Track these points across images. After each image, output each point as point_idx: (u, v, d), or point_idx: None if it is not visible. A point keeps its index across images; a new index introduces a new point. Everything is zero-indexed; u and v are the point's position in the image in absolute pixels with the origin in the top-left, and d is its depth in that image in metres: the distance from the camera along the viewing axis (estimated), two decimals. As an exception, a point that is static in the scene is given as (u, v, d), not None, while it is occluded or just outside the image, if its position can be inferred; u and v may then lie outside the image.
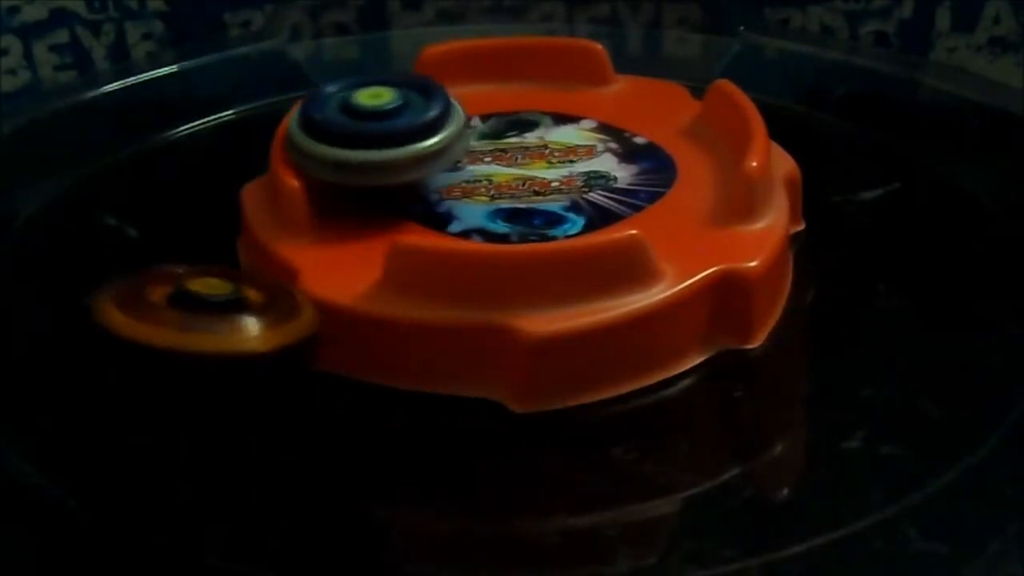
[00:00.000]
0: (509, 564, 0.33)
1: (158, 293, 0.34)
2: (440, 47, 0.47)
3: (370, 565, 0.33)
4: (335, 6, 0.63)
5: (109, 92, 0.55)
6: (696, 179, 0.42)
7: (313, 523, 0.33)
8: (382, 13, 0.64)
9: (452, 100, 0.41)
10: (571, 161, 0.43)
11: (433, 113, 0.40)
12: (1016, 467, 0.35)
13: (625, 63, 0.50)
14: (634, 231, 0.37)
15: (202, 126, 0.52)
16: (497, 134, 0.45)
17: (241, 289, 0.34)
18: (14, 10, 0.60)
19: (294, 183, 0.40)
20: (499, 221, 0.40)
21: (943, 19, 0.62)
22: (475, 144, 0.44)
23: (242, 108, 0.53)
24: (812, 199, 0.44)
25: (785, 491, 0.35)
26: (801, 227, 0.43)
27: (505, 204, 0.41)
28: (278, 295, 0.36)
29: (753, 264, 0.38)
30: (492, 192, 0.42)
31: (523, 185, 0.42)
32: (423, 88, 0.41)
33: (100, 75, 0.60)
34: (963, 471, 0.34)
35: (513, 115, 0.46)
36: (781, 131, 0.43)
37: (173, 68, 0.56)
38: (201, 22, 0.63)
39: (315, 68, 0.59)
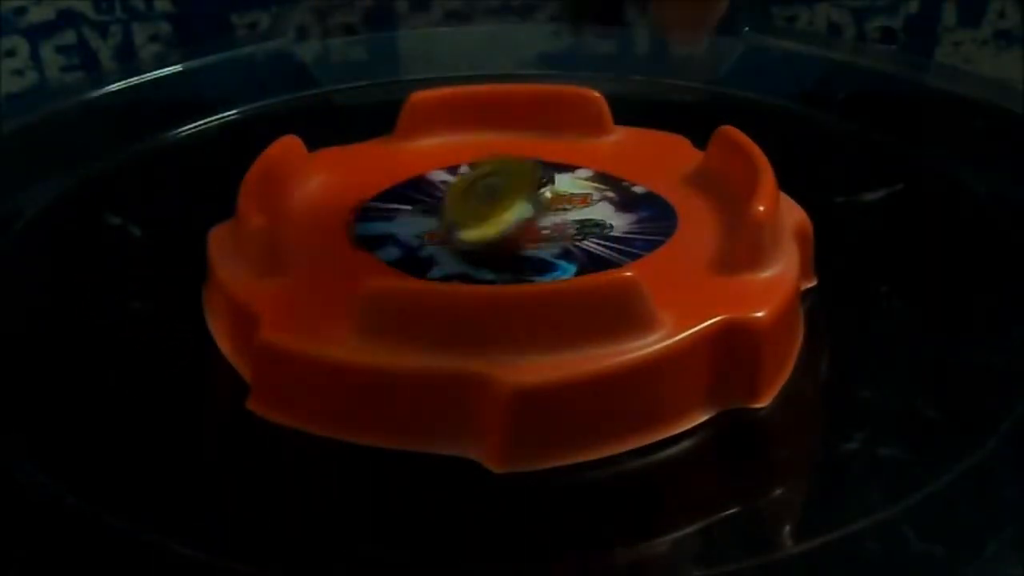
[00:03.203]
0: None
1: None
2: (428, 93, 0.45)
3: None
4: (342, 6, 0.63)
5: (113, 91, 0.55)
6: (699, 228, 0.40)
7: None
8: (389, 13, 0.64)
9: None
10: (564, 209, 0.41)
11: None
12: (1015, 469, 0.35)
13: (632, 63, 0.49)
14: (629, 273, 0.35)
15: (207, 126, 0.52)
16: None
17: None
18: (21, 11, 0.60)
19: (259, 223, 0.38)
20: (483, 267, 0.38)
21: (949, 14, 0.62)
22: None
23: (247, 108, 0.53)
24: (815, 200, 0.43)
25: (784, 491, 0.35)
26: (813, 283, 0.41)
27: None
28: None
29: (760, 314, 0.35)
30: None
31: None
32: None
33: (105, 74, 0.60)
34: (962, 472, 0.34)
35: None
36: (784, 132, 0.43)
37: (178, 68, 0.57)
38: (208, 23, 0.63)
39: (321, 68, 0.59)
